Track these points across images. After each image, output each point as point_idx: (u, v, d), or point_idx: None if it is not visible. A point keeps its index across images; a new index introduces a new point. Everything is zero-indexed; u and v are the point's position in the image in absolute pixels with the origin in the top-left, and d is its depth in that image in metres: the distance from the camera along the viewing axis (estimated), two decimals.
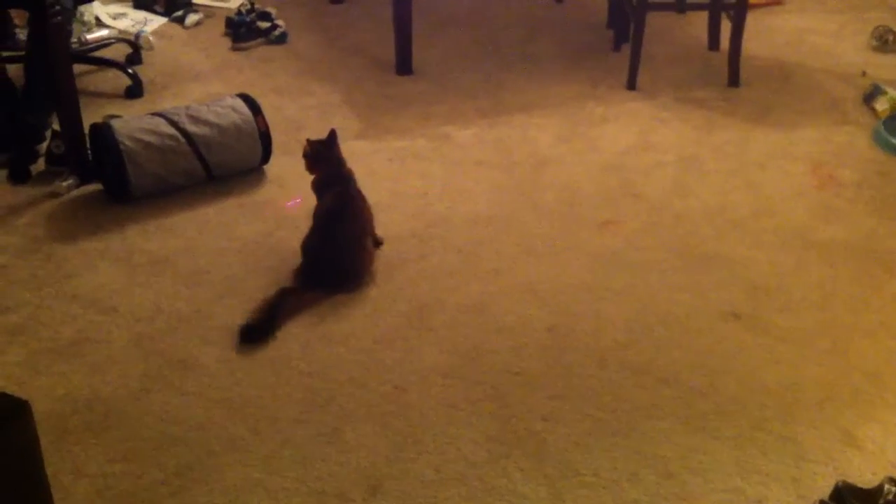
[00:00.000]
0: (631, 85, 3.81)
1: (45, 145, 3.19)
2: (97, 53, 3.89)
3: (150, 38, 4.11)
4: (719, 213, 3.00)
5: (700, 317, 2.52)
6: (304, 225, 2.67)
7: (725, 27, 3.97)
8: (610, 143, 3.41)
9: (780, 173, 3.23)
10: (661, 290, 2.63)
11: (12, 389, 2.15)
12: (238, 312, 2.49)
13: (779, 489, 1.99)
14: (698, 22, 4.31)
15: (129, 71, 3.72)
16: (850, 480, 1.92)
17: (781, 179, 3.20)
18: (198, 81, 3.83)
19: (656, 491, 1.99)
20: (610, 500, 1.97)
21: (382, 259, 2.73)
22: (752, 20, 3.94)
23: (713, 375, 2.32)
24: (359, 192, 2.72)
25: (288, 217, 2.92)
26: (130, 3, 4.51)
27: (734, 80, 3.85)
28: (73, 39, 3.87)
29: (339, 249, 2.59)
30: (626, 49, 3.88)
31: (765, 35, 4.33)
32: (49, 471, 1.64)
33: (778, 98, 3.76)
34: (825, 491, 1.92)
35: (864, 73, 3.95)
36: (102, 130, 2.96)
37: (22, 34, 3.81)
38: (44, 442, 1.58)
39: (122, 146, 2.89)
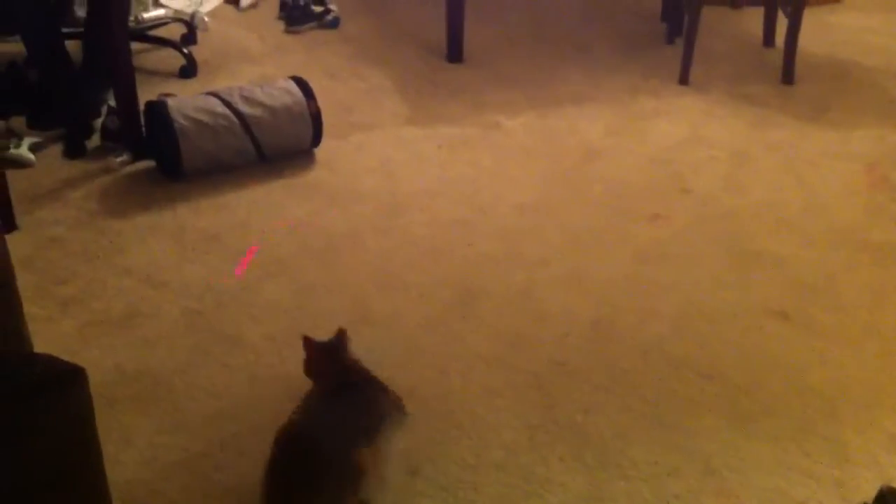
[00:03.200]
0: (683, 79, 3.78)
1: (100, 121, 3.25)
2: (153, 32, 3.94)
3: (206, 18, 4.16)
4: (769, 211, 2.96)
5: (746, 314, 2.50)
6: (367, 212, 2.67)
7: (781, 23, 3.92)
8: (660, 137, 3.39)
9: (833, 172, 3.19)
10: (708, 285, 2.62)
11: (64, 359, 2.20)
12: (286, 292, 2.53)
13: (822, 491, 1.97)
14: (754, 17, 4.26)
15: (184, 51, 3.77)
16: (894, 485, 1.89)
17: (834, 179, 3.16)
18: (251, 63, 3.87)
19: (697, 486, 1.98)
20: (649, 493, 1.96)
21: (429, 244, 2.74)
22: (810, 17, 3.88)
23: (758, 373, 2.30)
24: None
25: (337, 198, 2.94)
26: None
27: (789, 77, 3.80)
28: (130, 18, 3.92)
29: None
30: (680, 43, 3.85)
31: (822, 32, 4.26)
32: None
33: (833, 96, 3.71)
34: (869, 494, 1.90)
35: None
36: (157, 108, 3.00)
37: (81, 11, 3.87)
38: None
39: (176, 124, 2.93)
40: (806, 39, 3.88)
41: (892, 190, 3.09)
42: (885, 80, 3.86)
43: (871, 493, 1.90)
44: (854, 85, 3.82)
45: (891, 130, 3.46)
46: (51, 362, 1.33)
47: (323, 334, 2.44)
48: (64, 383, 1.30)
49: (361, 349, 2.18)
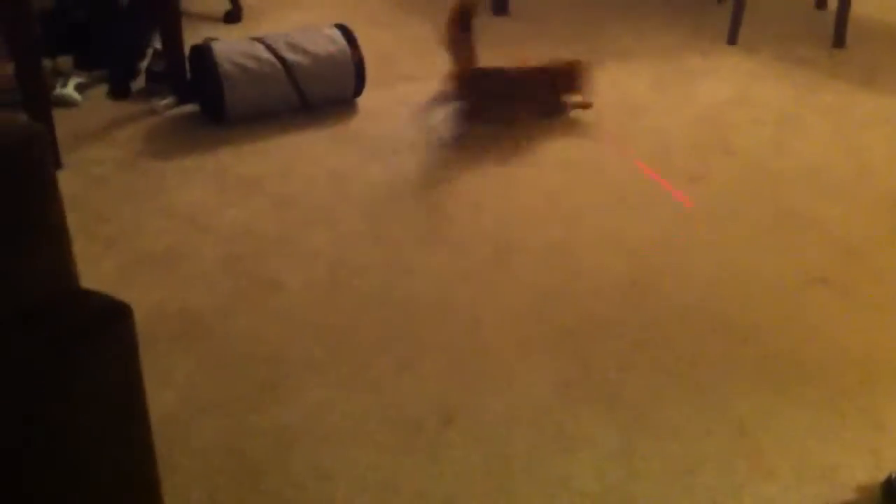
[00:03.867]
0: (732, 39, 3.72)
1: (146, 63, 3.27)
2: None
3: None
4: (815, 175, 2.92)
5: (787, 279, 2.48)
6: (408, 164, 2.67)
7: None
8: (706, 97, 3.34)
9: (882, 139, 3.13)
10: (749, 248, 2.59)
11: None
12: (326, 239, 2.54)
13: (855, 458, 1.97)
14: None
15: None
16: None
17: (883, 145, 3.10)
18: (295, 10, 3.86)
19: (729, 448, 1.98)
20: (680, 451, 1.97)
21: (467, 197, 2.74)
22: None
23: (796, 338, 2.28)
24: None
25: (379, 149, 2.94)
26: None
27: (840, 39, 3.72)
28: None
29: None
30: (730, 2, 3.78)
31: None
32: None
33: (885, 61, 3.63)
34: None
35: None
36: (202, 52, 3.01)
37: None
38: None
39: (220, 69, 2.94)
40: (858, 2, 3.79)
41: None
42: None
43: None
44: None
45: None
46: (99, 299, 1.35)
47: (362, 284, 2.46)
48: (112, 320, 1.32)
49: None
